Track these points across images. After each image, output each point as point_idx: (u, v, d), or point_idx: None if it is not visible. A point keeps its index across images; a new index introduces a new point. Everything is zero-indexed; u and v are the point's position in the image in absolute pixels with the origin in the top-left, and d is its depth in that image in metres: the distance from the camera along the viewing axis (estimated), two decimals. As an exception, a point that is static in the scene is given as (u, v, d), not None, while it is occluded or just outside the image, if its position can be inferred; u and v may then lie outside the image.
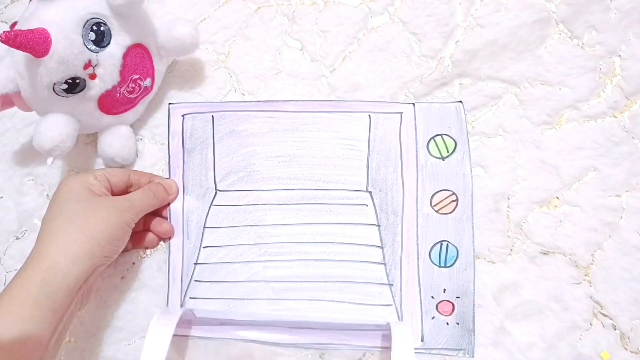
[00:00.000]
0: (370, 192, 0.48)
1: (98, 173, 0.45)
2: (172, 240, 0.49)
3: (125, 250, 0.47)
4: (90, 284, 0.43)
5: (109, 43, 0.43)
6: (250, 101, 0.51)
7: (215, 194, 0.49)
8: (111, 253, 0.42)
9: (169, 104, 0.51)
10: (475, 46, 0.51)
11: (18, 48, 0.38)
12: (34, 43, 0.38)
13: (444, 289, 0.46)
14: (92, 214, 0.41)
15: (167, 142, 0.50)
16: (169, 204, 0.49)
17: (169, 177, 0.50)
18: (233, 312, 0.47)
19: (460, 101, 0.50)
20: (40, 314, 0.36)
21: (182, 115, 0.51)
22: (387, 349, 0.46)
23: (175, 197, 0.49)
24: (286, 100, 0.51)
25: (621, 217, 0.47)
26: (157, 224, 0.48)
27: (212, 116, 0.50)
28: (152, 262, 0.49)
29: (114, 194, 0.46)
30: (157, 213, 0.49)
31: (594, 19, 0.51)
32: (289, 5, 0.54)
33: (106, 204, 0.42)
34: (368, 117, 0.50)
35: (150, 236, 0.49)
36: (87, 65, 0.42)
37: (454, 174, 0.48)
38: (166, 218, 0.49)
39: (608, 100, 0.49)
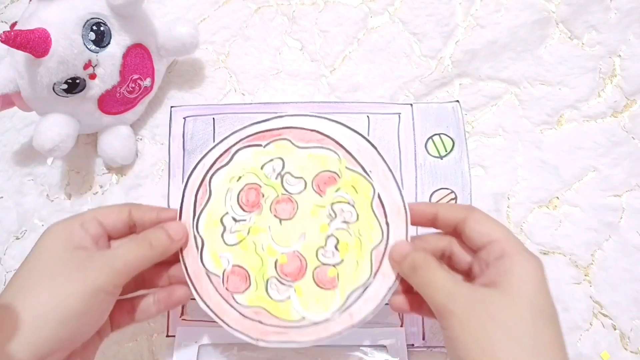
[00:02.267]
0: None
1: (88, 217, 0.36)
2: None
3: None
4: None
5: (109, 43, 0.43)
6: (251, 103, 0.51)
7: (215, 194, 0.49)
8: (72, 335, 0.32)
9: (171, 107, 0.51)
10: (475, 46, 0.51)
11: (18, 48, 0.38)
12: (34, 43, 0.38)
13: (444, 288, 0.46)
14: (52, 282, 0.32)
15: (167, 142, 0.50)
16: (181, 249, 0.39)
17: (170, 179, 0.48)
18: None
19: (457, 100, 0.50)
20: None
21: (184, 118, 0.51)
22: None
23: (183, 242, 0.38)
24: (286, 102, 0.51)
25: (621, 217, 0.47)
26: (164, 291, 0.38)
27: (213, 118, 0.50)
28: (152, 262, 0.49)
29: (114, 237, 0.38)
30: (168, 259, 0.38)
31: (594, 19, 0.51)
32: (289, 5, 0.54)
33: (73, 265, 0.33)
34: (367, 117, 0.50)
35: (147, 300, 0.38)
36: (87, 65, 0.43)
37: (452, 172, 0.48)
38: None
39: (608, 100, 0.49)
